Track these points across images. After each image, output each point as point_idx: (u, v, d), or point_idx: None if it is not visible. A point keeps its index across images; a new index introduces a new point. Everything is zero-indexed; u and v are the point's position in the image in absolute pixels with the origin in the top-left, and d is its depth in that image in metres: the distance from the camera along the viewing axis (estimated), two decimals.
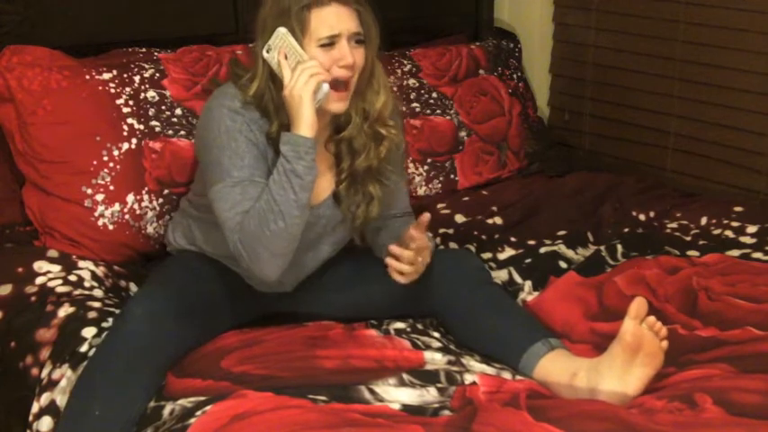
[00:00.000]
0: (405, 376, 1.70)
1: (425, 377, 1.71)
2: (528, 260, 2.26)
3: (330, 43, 1.74)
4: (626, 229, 2.45)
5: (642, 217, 2.53)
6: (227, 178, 1.74)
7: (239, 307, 1.92)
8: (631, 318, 1.66)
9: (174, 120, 2.27)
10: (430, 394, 1.65)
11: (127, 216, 2.17)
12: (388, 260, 1.75)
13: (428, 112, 2.71)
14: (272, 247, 1.71)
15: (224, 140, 1.75)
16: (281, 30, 1.72)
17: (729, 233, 2.39)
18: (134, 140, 2.21)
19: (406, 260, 1.74)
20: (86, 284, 2.02)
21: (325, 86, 1.72)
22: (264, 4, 1.79)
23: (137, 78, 2.28)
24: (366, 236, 2.01)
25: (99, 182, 2.16)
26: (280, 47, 1.72)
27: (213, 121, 1.78)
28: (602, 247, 2.32)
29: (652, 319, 1.68)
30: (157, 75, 2.31)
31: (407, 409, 1.60)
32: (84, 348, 1.80)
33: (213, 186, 1.76)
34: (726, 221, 2.44)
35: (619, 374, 1.66)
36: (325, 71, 1.72)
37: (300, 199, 1.70)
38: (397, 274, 1.76)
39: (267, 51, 1.74)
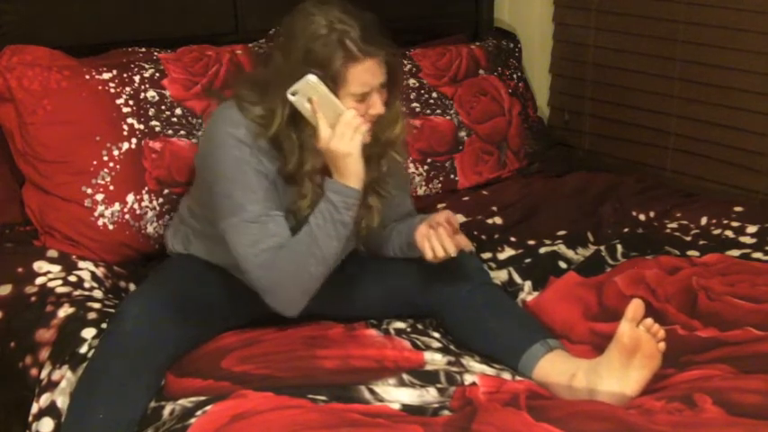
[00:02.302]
0: (405, 376, 1.70)
1: (425, 377, 1.71)
2: (528, 260, 2.26)
3: (362, 97, 1.74)
4: (626, 229, 2.45)
5: (642, 217, 2.53)
6: (242, 213, 1.73)
7: (239, 308, 1.92)
8: (628, 320, 1.66)
9: (174, 119, 2.28)
10: (430, 394, 1.65)
11: (127, 216, 2.17)
12: (432, 240, 1.78)
13: (428, 112, 2.71)
14: (308, 288, 1.74)
15: (233, 173, 1.75)
16: (312, 78, 1.69)
17: (729, 233, 2.38)
18: (134, 140, 2.21)
19: (447, 249, 1.78)
20: (86, 285, 2.02)
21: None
22: (288, 47, 1.74)
23: (137, 78, 2.28)
24: (371, 247, 2.01)
25: (99, 182, 2.16)
26: (308, 93, 1.70)
27: (219, 149, 1.76)
28: (602, 247, 2.32)
29: (649, 321, 1.68)
30: (157, 74, 2.31)
31: (407, 409, 1.60)
32: (83, 349, 1.80)
33: (227, 219, 1.75)
34: (726, 221, 2.44)
35: (617, 376, 1.66)
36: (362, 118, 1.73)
37: (341, 246, 1.74)
38: (431, 253, 1.79)
39: (293, 95, 1.70)
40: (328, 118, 1.70)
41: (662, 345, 1.69)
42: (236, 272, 1.88)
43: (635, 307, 1.67)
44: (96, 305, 1.92)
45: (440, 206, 2.54)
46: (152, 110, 2.26)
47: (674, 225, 2.47)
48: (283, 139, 1.76)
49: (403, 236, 1.92)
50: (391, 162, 1.91)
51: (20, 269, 2.02)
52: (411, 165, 2.64)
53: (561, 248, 2.32)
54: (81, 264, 2.08)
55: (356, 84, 1.72)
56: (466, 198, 2.63)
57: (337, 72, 1.69)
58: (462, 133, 2.76)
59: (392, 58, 1.77)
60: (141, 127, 2.23)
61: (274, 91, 1.74)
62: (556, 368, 1.74)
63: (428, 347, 1.83)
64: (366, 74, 1.72)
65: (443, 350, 1.83)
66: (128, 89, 2.25)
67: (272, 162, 1.78)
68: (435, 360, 1.77)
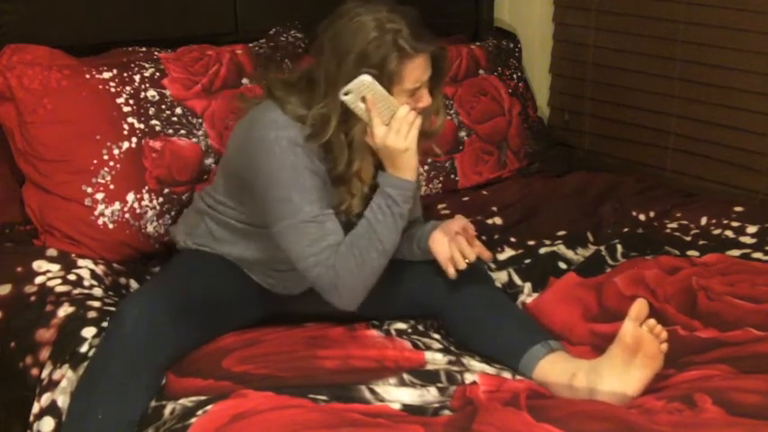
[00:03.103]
0: (405, 376, 1.70)
1: (426, 377, 1.71)
2: (528, 260, 2.26)
3: (413, 92, 1.76)
4: (626, 229, 2.45)
5: (642, 217, 2.53)
6: (299, 213, 1.74)
7: (245, 308, 1.92)
8: (632, 319, 1.66)
9: (175, 119, 2.27)
10: (430, 394, 1.65)
11: (127, 215, 2.17)
12: (455, 253, 1.82)
13: None
14: (370, 281, 1.77)
15: (290, 177, 1.75)
16: (367, 79, 1.70)
17: (729, 233, 2.39)
18: (134, 139, 2.21)
19: (469, 256, 1.83)
20: (86, 283, 2.02)
21: None
22: (339, 48, 1.73)
23: (137, 77, 2.28)
24: None
25: (99, 181, 2.16)
26: (362, 92, 1.71)
27: (274, 155, 1.75)
28: (602, 248, 2.32)
29: (652, 321, 1.68)
30: (157, 74, 2.31)
31: (408, 408, 1.60)
32: (84, 348, 1.80)
33: (283, 222, 1.76)
34: (726, 221, 2.44)
35: (618, 375, 1.67)
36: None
37: (399, 237, 1.78)
38: (452, 269, 1.83)
39: (345, 95, 1.71)
40: (382, 116, 1.72)
41: (664, 345, 1.69)
42: (260, 270, 1.90)
43: (639, 306, 1.67)
44: (96, 303, 1.92)
45: (439, 206, 2.55)
46: (152, 109, 2.26)
47: (674, 225, 2.47)
48: (334, 140, 1.77)
49: (414, 240, 1.92)
50: None
51: (19, 269, 2.02)
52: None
53: (561, 249, 2.32)
54: (80, 262, 2.08)
55: (410, 80, 1.74)
56: (466, 198, 2.63)
57: (393, 71, 1.71)
58: (462, 133, 2.76)
59: (440, 51, 1.79)
60: (141, 126, 2.23)
61: (327, 94, 1.74)
62: (556, 369, 1.74)
63: (429, 348, 1.83)
64: (418, 70, 1.74)
65: (444, 350, 1.83)
66: (128, 88, 2.25)
67: (323, 162, 1.79)
68: (436, 360, 1.78)
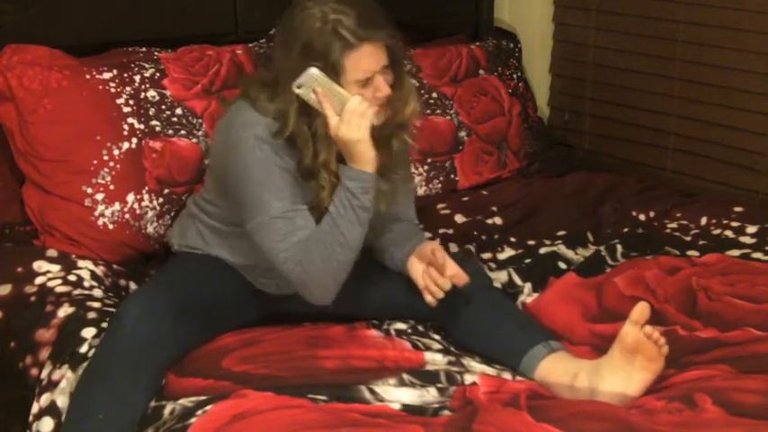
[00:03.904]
0: (405, 376, 1.70)
1: (426, 377, 1.71)
2: (528, 260, 2.26)
3: (366, 82, 1.75)
4: (626, 229, 2.45)
5: (642, 217, 2.53)
6: (269, 210, 1.75)
7: (242, 308, 1.92)
8: (632, 322, 1.66)
9: (175, 119, 2.27)
10: (430, 394, 1.65)
11: (127, 215, 2.17)
12: (429, 284, 1.82)
13: (428, 112, 2.71)
14: (339, 276, 1.76)
15: (260, 174, 1.76)
16: (314, 71, 1.70)
17: (729, 233, 2.39)
18: (134, 140, 2.21)
19: (443, 286, 1.81)
20: (86, 284, 2.02)
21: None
22: (287, 44, 1.75)
23: (137, 78, 2.28)
24: (369, 236, 2.02)
25: (99, 181, 2.16)
26: (312, 84, 1.71)
27: (242, 153, 1.77)
28: (602, 248, 2.32)
29: (649, 329, 1.67)
30: (158, 74, 2.31)
31: (407, 409, 1.60)
32: (83, 349, 1.80)
33: (255, 219, 1.77)
34: (726, 221, 2.44)
35: (619, 376, 1.67)
36: (369, 102, 1.74)
37: (364, 230, 1.76)
38: (430, 297, 1.83)
39: (299, 87, 1.72)
40: (335, 107, 1.72)
41: (665, 349, 1.69)
42: (251, 271, 1.90)
43: (640, 309, 1.67)
44: (96, 304, 1.92)
45: (439, 206, 2.55)
46: (152, 109, 2.26)
47: (674, 225, 2.47)
48: (297, 133, 1.77)
49: (396, 260, 1.93)
50: (398, 159, 1.92)
51: (19, 269, 2.02)
52: (411, 165, 2.64)
53: (561, 249, 2.32)
54: (80, 263, 2.08)
55: (356, 70, 1.73)
56: (466, 198, 2.63)
57: (336, 61, 1.71)
58: (462, 133, 2.76)
59: (391, 40, 1.77)
60: (141, 126, 2.23)
61: (283, 88, 1.75)
62: (558, 369, 1.74)
63: (428, 348, 1.83)
64: (365, 59, 1.73)
65: (444, 351, 1.83)
66: (128, 89, 2.25)
67: (292, 157, 1.79)
68: (436, 360, 1.77)
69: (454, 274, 1.81)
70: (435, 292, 1.82)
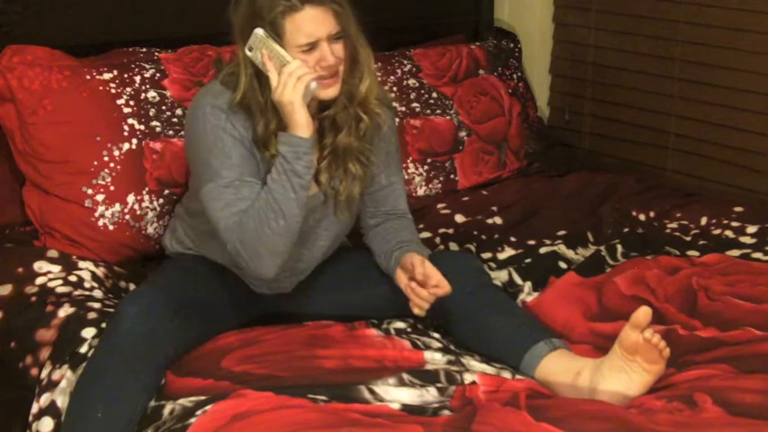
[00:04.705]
0: (404, 376, 1.70)
1: (425, 377, 1.71)
2: (528, 260, 2.26)
3: (310, 48, 1.74)
4: (626, 229, 2.45)
5: (642, 217, 2.53)
6: (217, 179, 1.76)
7: (239, 307, 1.92)
8: (632, 326, 1.66)
9: (175, 120, 2.27)
10: (430, 394, 1.65)
11: (127, 216, 2.17)
12: (413, 298, 1.81)
13: (428, 112, 2.71)
14: (273, 245, 1.74)
15: (210, 140, 1.77)
16: (259, 32, 1.72)
17: (729, 233, 2.39)
18: (134, 141, 2.21)
19: (427, 299, 1.80)
20: (86, 285, 2.02)
21: (312, 84, 1.73)
22: (239, 3, 1.78)
23: (137, 78, 2.28)
24: (364, 234, 2.02)
25: (99, 182, 2.16)
26: (260, 47, 1.72)
27: (198, 119, 1.79)
28: (602, 247, 2.32)
29: (648, 333, 1.66)
30: (158, 75, 2.31)
31: (407, 408, 1.60)
32: (83, 349, 1.80)
33: (204, 187, 1.78)
34: (726, 221, 2.44)
35: (620, 376, 1.66)
36: (311, 69, 1.73)
37: (300, 197, 1.74)
38: (418, 308, 1.82)
39: (249, 50, 1.73)
40: (278, 70, 1.72)
41: (666, 351, 1.68)
42: (233, 266, 1.89)
43: (641, 314, 1.66)
44: (96, 305, 1.92)
45: (439, 206, 2.55)
46: (152, 110, 2.26)
47: (674, 225, 2.47)
48: (251, 100, 1.77)
49: (385, 269, 1.93)
50: (385, 154, 1.93)
51: (20, 269, 2.02)
52: (411, 165, 2.64)
53: (561, 248, 2.32)
54: (81, 264, 2.08)
55: (298, 34, 1.72)
56: (466, 198, 2.63)
57: (278, 23, 1.71)
58: (462, 133, 2.76)
59: (337, 7, 1.75)
60: (142, 127, 2.23)
61: (237, 51, 1.77)
62: (560, 366, 1.73)
63: (428, 347, 1.83)
64: (308, 23, 1.72)
65: (443, 350, 1.83)
66: (128, 89, 2.25)
67: (247, 129, 1.79)
68: (435, 359, 1.77)
69: (436, 283, 1.80)
70: (420, 304, 1.81)
